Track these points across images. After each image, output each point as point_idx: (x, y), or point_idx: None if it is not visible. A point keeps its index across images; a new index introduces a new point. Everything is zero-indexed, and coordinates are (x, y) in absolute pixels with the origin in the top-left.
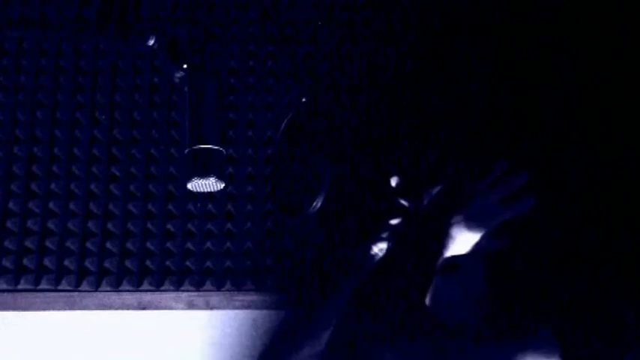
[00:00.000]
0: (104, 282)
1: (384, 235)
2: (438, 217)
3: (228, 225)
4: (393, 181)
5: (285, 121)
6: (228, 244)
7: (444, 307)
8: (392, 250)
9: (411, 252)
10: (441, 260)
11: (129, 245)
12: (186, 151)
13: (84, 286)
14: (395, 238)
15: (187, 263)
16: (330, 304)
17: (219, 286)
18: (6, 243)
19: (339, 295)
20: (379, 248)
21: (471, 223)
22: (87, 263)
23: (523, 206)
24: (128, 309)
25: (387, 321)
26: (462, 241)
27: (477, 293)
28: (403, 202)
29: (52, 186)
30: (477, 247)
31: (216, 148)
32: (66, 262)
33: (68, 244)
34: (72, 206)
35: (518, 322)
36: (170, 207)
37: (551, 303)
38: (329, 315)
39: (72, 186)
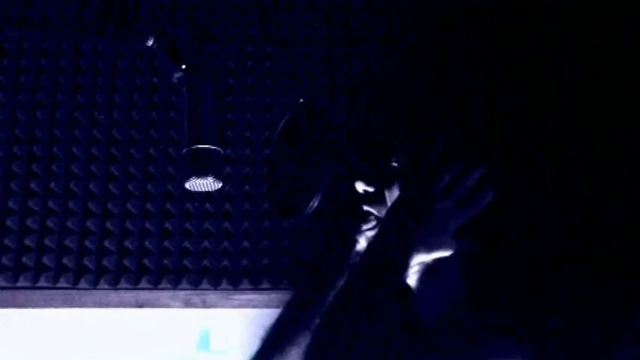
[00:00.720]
0: (102, 280)
1: (366, 230)
2: (402, 224)
3: (226, 224)
4: (360, 188)
5: (283, 121)
6: (225, 243)
7: (425, 305)
8: (366, 254)
9: (382, 257)
10: (418, 264)
11: (127, 244)
12: (185, 150)
13: (82, 283)
14: (368, 242)
15: (185, 262)
16: (320, 304)
17: (215, 285)
18: (5, 241)
19: (328, 295)
20: (360, 244)
21: (433, 229)
22: (85, 261)
23: (481, 202)
24: (126, 307)
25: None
26: (433, 246)
27: (456, 293)
28: (373, 210)
29: (52, 185)
30: (450, 250)
31: (214, 148)
32: (64, 260)
33: (67, 242)
34: (71, 205)
35: (491, 325)
36: (168, 206)
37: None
38: (316, 309)
39: (71, 185)
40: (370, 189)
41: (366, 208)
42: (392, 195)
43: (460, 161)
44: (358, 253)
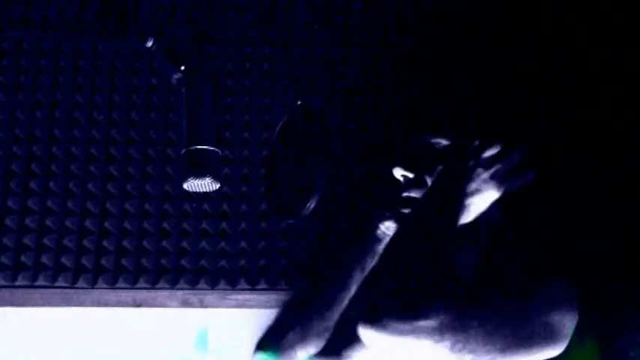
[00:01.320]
0: (100, 279)
1: (389, 215)
2: (449, 192)
3: (223, 225)
4: (398, 174)
5: (281, 123)
6: (222, 243)
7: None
8: (406, 229)
9: (428, 226)
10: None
11: (125, 243)
12: (183, 151)
13: (80, 283)
14: (405, 219)
15: (182, 262)
16: (337, 283)
17: (213, 285)
18: (4, 240)
19: (347, 274)
20: (386, 227)
21: (485, 192)
22: (84, 261)
23: (525, 177)
24: (123, 306)
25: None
26: (473, 210)
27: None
28: (411, 194)
29: (51, 184)
30: (481, 217)
31: (212, 148)
32: (63, 260)
33: (65, 241)
34: (70, 205)
35: (530, 276)
36: (166, 206)
37: (566, 256)
38: (336, 294)
39: (70, 185)
40: (410, 174)
41: (405, 194)
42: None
43: (502, 139)
44: (389, 227)
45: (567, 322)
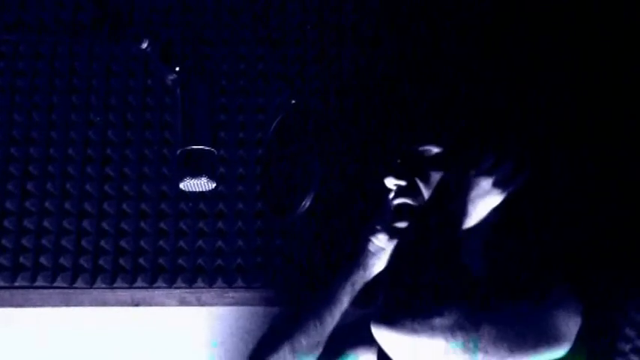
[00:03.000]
0: (99, 279)
1: (380, 228)
2: (451, 200)
3: (220, 224)
4: (390, 184)
5: (275, 122)
6: (219, 242)
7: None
8: (410, 240)
9: (433, 234)
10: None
11: (123, 243)
12: (179, 151)
13: (79, 283)
14: (398, 230)
15: (180, 261)
16: (328, 297)
17: (210, 283)
18: (3, 241)
19: (338, 288)
20: (378, 240)
21: (487, 199)
22: (82, 261)
23: (521, 179)
24: (122, 305)
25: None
26: (475, 217)
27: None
28: (408, 201)
29: (48, 186)
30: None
31: (207, 148)
32: (61, 260)
33: (64, 242)
34: (67, 205)
35: (531, 282)
36: (163, 206)
37: (565, 261)
38: (327, 308)
39: (67, 186)
40: (402, 182)
41: (398, 201)
42: (428, 183)
43: (499, 146)
44: (381, 240)
45: (572, 325)
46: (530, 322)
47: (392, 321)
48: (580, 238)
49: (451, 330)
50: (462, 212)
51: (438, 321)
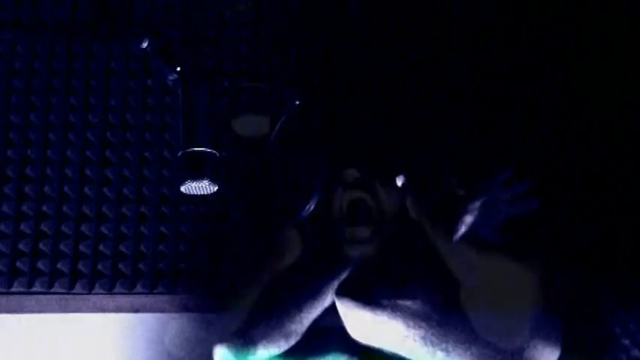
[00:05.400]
0: (97, 285)
1: (365, 239)
2: (451, 209)
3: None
4: (399, 182)
5: (279, 123)
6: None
7: None
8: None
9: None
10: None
11: (122, 248)
12: (180, 153)
13: (77, 288)
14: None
15: (180, 265)
16: (310, 287)
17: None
18: None
19: (322, 283)
20: (361, 244)
21: (485, 214)
22: (80, 266)
23: (528, 206)
24: (121, 311)
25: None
26: (470, 229)
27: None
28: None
29: (46, 189)
30: (476, 236)
31: (209, 150)
32: (59, 265)
33: (61, 246)
34: (65, 209)
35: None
36: (163, 209)
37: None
38: (307, 298)
39: (65, 189)
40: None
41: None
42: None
43: (512, 168)
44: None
45: (548, 354)
46: (504, 340)
47: (356, 293)
48: (575, 245)
49: (414, 318)
50: (458, 222)
51: (402, 304)
